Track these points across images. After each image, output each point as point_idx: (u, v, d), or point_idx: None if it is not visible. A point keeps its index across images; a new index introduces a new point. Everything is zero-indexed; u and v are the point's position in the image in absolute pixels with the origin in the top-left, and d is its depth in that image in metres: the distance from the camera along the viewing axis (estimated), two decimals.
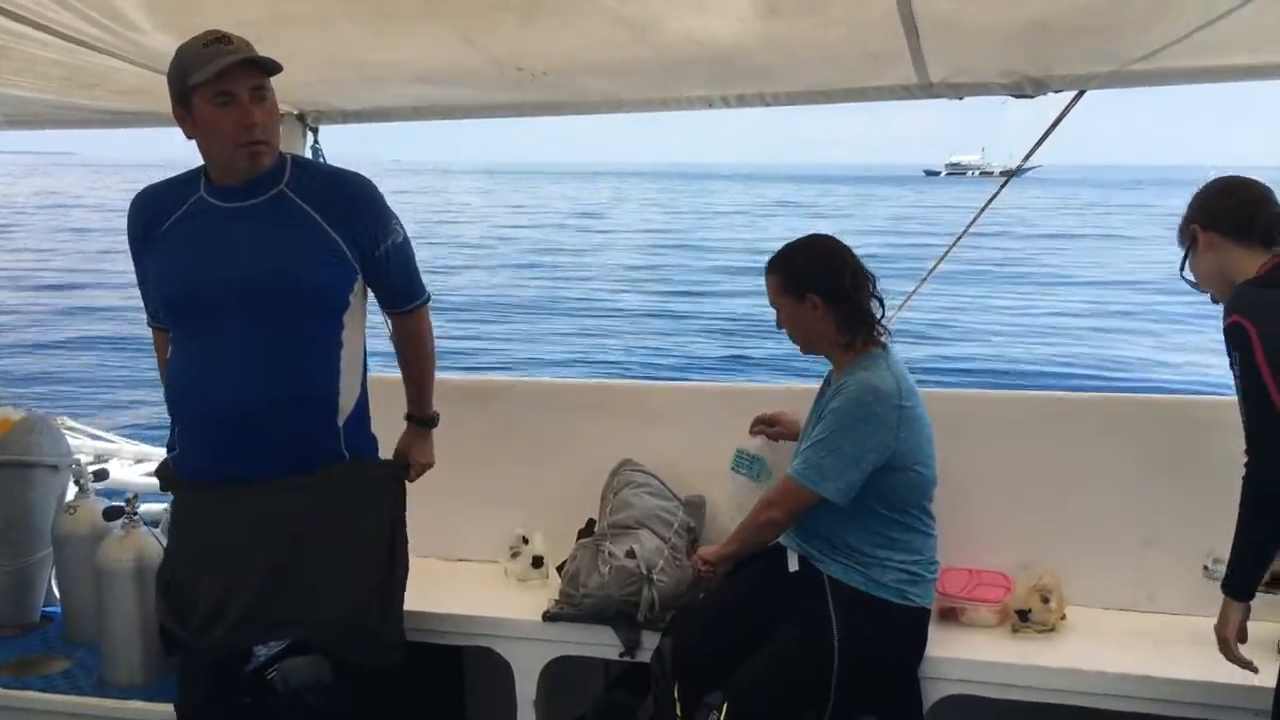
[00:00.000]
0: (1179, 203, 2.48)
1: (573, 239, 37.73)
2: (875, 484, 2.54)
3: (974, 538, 2.99)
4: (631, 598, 2.79)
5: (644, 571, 2.81)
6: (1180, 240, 2.41)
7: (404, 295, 2.60)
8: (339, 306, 2.44)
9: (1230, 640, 2.24)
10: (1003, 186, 3.45)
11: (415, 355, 2.70)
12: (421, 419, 2.74)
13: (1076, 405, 3.18)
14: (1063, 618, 2.80)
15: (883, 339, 2.66)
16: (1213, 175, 2.46)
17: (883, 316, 2.66)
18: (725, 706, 2.44)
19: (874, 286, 2.67)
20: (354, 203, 2.46)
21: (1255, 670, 2.27)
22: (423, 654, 2.85)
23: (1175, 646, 2.69)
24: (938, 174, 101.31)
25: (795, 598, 2.60)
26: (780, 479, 2.66)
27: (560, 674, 2.92)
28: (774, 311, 2.71)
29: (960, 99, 3.22)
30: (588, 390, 3.82)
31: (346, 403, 2.48)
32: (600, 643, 2.83)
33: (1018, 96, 3.19)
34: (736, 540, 2.73)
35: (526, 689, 2.89)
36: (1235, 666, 2.32)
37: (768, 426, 3.01)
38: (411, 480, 2.71)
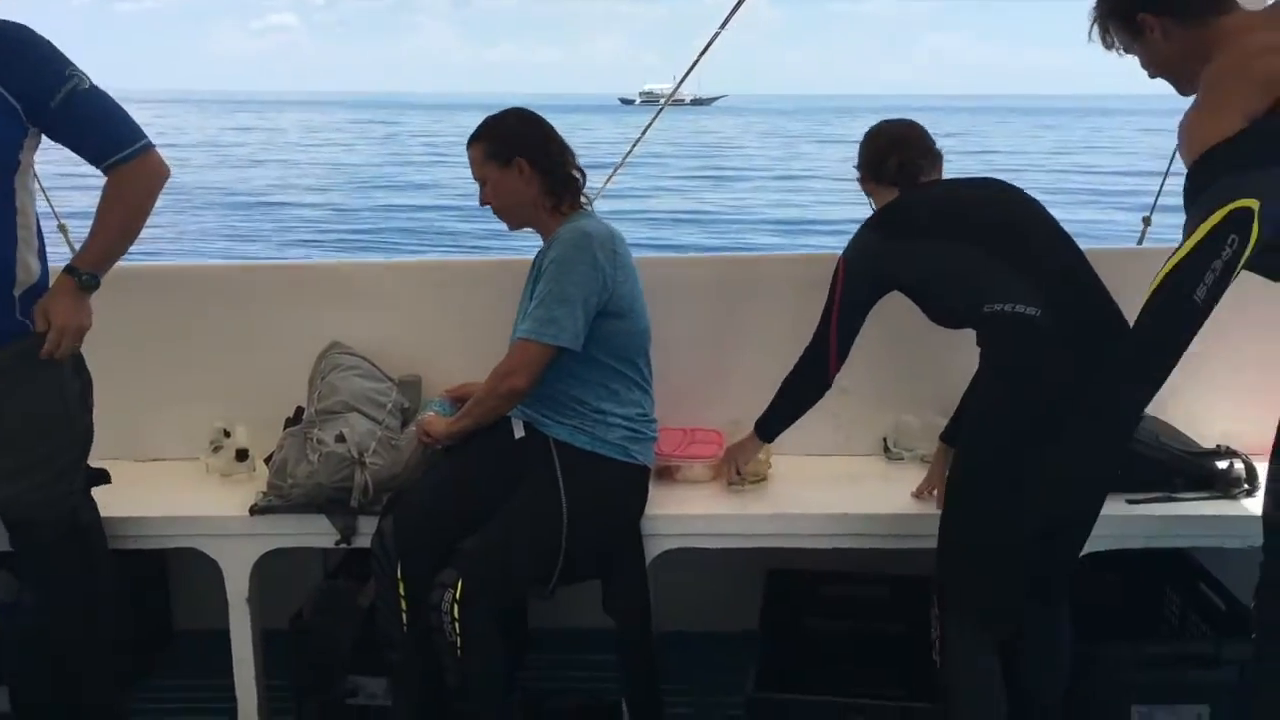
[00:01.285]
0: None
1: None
2: (596, 331, 2.56)
3: (686, 398, 3.09)
4: (344, 483, 2.69)
5: (355, 455, 2.71)
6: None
7: (105, 148, 2.32)
8: (8, 165, 2.23)
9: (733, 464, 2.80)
10: (658, 113, 3.70)
11: (110, 206, 2.35)
12: (78, 269, 2.35)
13: (776, 265, 3.31)
14: (769, 467, 2.94)
15: (587, 206, 2.70)
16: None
17: (584, 187, 2.71)
18: (460, 583, 2.41)
19: (574, 159, 2.69)
20: (10, 53, 2.21)
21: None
22: (122, 562, 2.66)
23: (868, 484, 2.91)
24: (632, 102, 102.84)
25: (522, 465, 2.60)
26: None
27: (274, 569, 2.80)
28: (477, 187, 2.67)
29: None
30: (287, 272, 3.56)
31: (24, 274, 2.30)
32: (315, 532, 2.72)
33: None
34: (470, 416, 2.68)
35: (239, 587, 2.76)
36: (916, 500, 2.70)
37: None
38: (52, 348, 2.34)
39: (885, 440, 3.05)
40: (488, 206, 2.69)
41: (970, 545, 2.38)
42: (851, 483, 2.92)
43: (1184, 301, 1.86)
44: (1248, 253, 1.87)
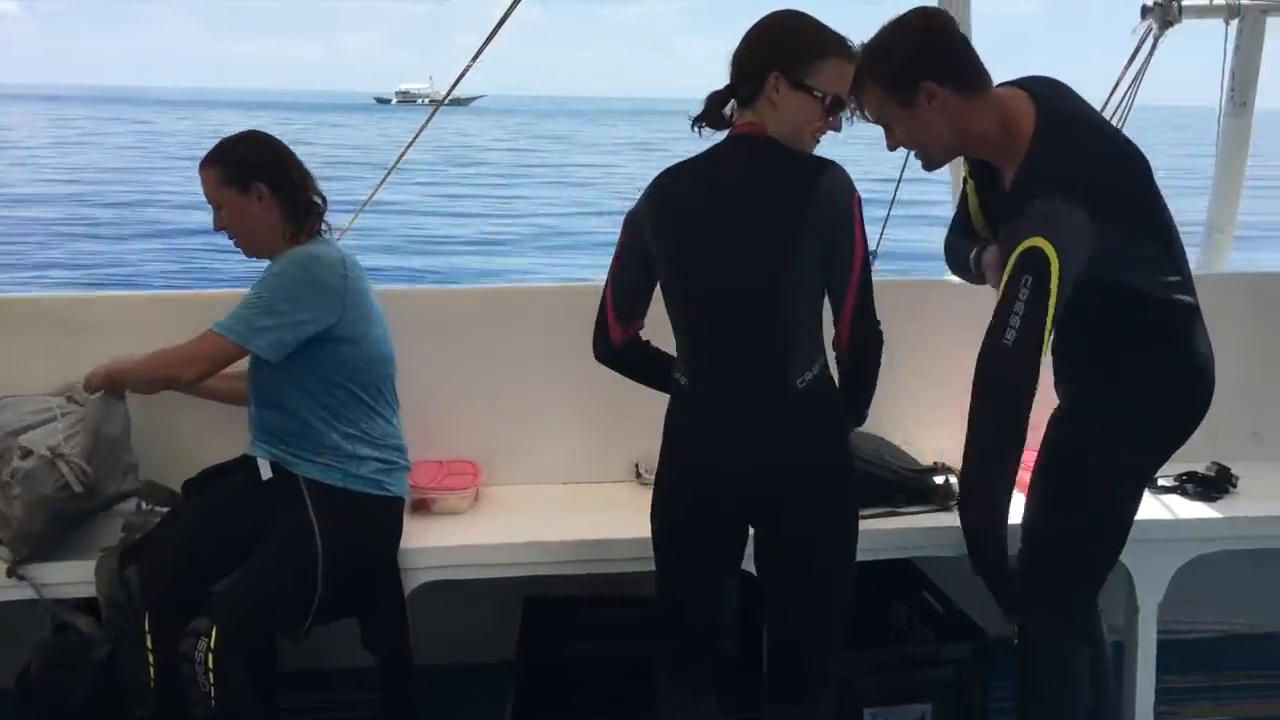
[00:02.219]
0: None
1: None
2: (334, 359, 2.53)
3: (441, 430, 3.10)
4: (61, 486, 2.52)
5: (49, 453, 2.53)
6: None
7: None
8: None
9: None
10: (433, 114, 3.65)
11: None
12: None
13: (530, 296, 3.37)
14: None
15: (325, 232, 2.68)
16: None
17: (324, 213, 2.67)
18: (214, 631, 2.33)
19: (314, 184, 2.66)
20: None
21: None
22: None
23: (622, 509, 2.96)
24: (389, 101, 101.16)
25: (271, 507, 2.54)
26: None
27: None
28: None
29: None
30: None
31: None
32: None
33: None
34: (128, 375, 2.59)
35: None
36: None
37: None
38: None
39: (637, 466, 3.15)
40: (224, 231, 2.61)
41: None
42: (606, 508, 3.00)
43: (994, 345, 2.10)
44: (1053, 290, 2.04)
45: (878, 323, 2.25)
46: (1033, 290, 2.05)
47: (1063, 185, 2.10)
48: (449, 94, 4.02)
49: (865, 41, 2.19)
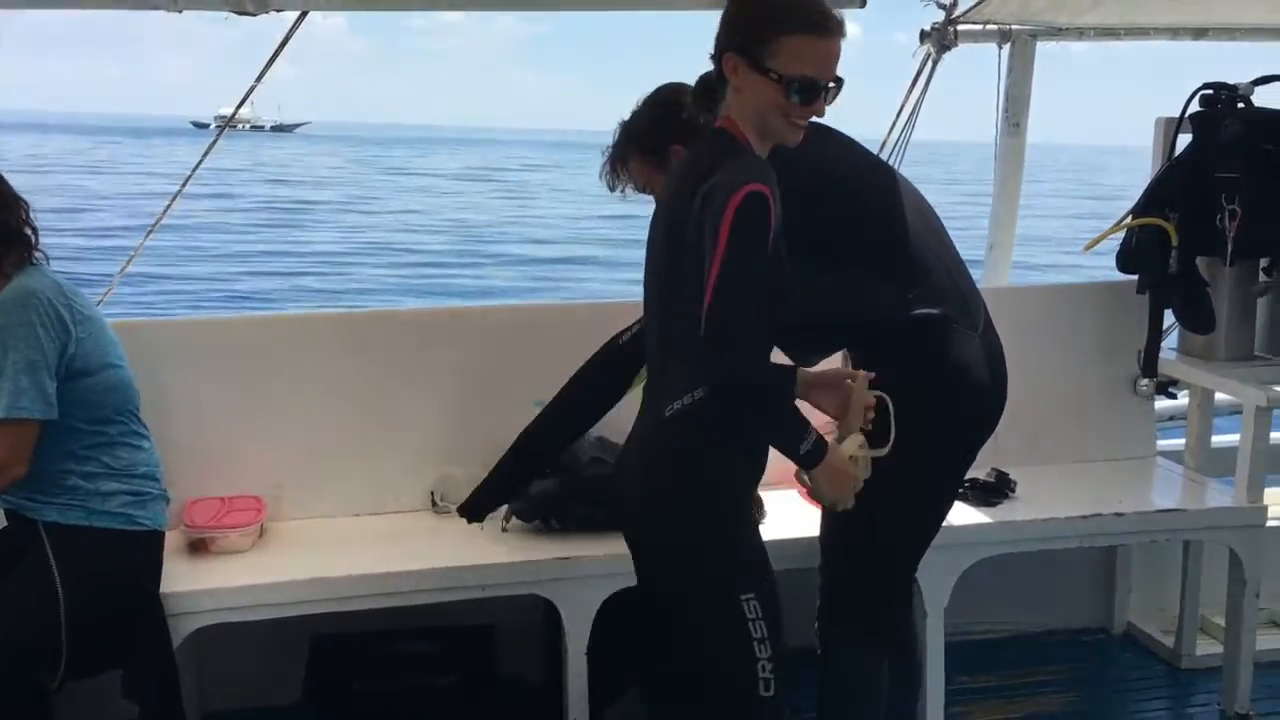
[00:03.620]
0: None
1: None
2: (69, 393, 2.38)
3: (223, 465, 2.97)
4: None
5: None
6: None
7: None
8: None
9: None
10: (216, 138, 3.51)
11: None
12: None
13: (315, 324, 3.26)
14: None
15: (37, 262, 2.47)
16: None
17: (37, 244, 2.47)
18: None
19: (27, 213, 2.46)
20: None
21: None
22: None
23: (415, 539, 2.91)
24: (206, 126, 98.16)
25: (9, 558, 2.37)
26: None
27: None
28: None
29: (180, 12, 3.09)
30: None
31: None
32: None
33: (239, 13, 3.15)
34: None
35: None
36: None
37: None
38: None
39: (433, 494, 3.08)
40: None
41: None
42: (397, 540, 2.91)
43: None
44: None
45: (727, 347, 1.91)
46: None
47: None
48: (230, 119, 3.88)
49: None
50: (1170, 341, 3.51)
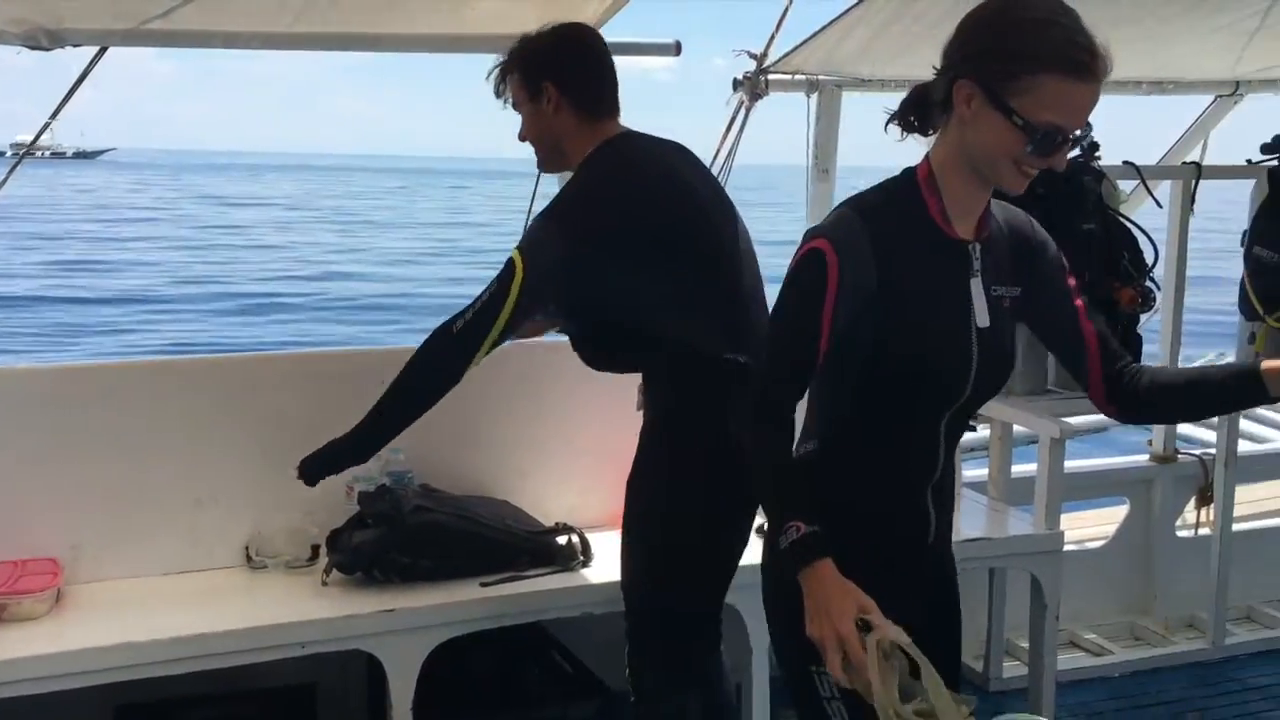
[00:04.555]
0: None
1: None
2: None
3: (17, 526, 2.78)
4: None
5: None
6: None
7: None
8: None
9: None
10: (17, 163, 3.30)
11: None
12: None
13: (114, 373, 3.09)
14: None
15: None
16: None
17: None
18: None
19: None
20: None
21: None
22: None
23: (229, 598, 2.79)
24: (3, 154, 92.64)
25: None
26: None
27: None
28: None
29: None
30: None
31: None
32: None
33: (33, 48, 2.99)
34: None
35: None
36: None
37: None
38: None
39: (247, 549, 2.95)
40: None
41: None
42: (210, 598, 2.78)
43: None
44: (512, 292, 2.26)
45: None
46: (492, 295, 2.29)
47: (560, 218, 2.34)
48: (32, 144, 3.66)
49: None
50: None
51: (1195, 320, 4.36)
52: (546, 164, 2.56)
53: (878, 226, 1.73)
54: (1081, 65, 1.63)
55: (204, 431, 2.96)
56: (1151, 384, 1.86)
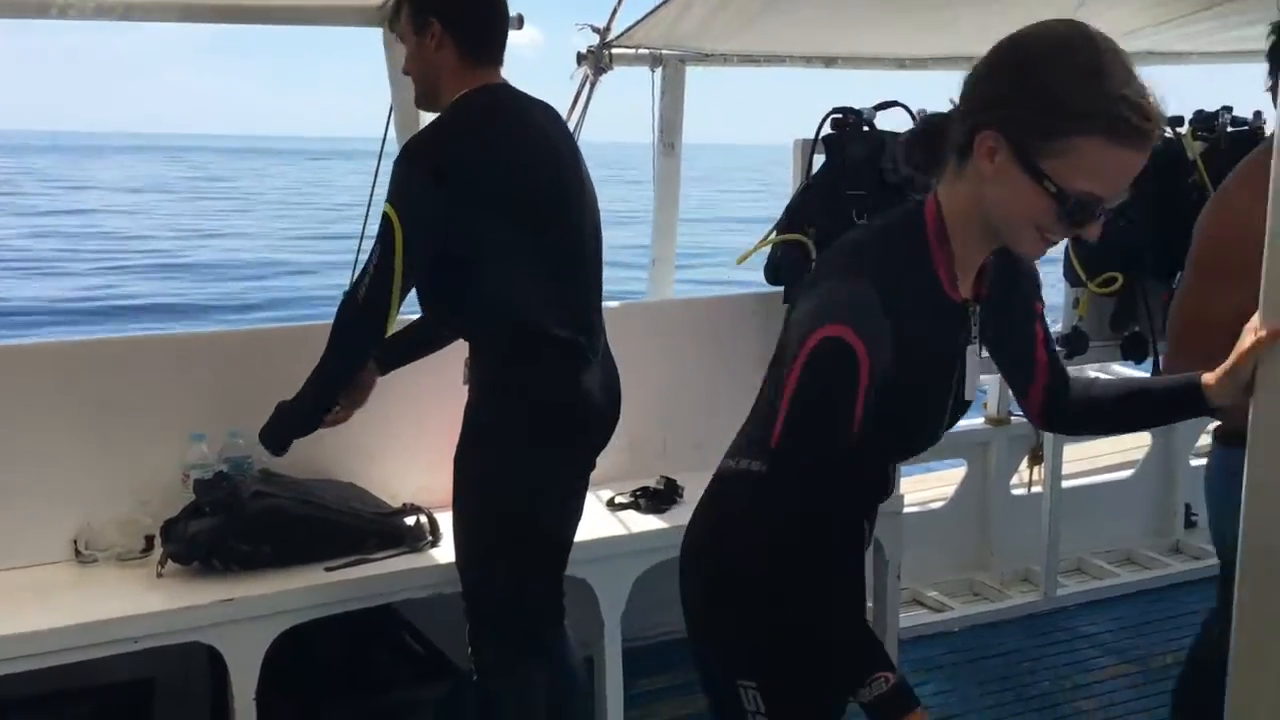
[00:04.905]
0: None
1: None
2: None
3: None
4: None
5: None
6: None
7: None
8: None
9: None
10: None
11: None
12: None
13: None
14: None
15: None
16: None
17: None
18: None
19: None
20: None
21: None
22: None
23: (58, 594, 2.66)
24: None
25: None
26: None
27: None
28: None
29: None
30: None
31: None
32: None
33: None
34: None
35: None
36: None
37: None
38: None
39: (75, 542, 2.83)
40: None
41: None
42: (35, 594, 2.65)
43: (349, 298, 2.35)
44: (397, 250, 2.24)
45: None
46: (380, 256, 2.29)
47: (414, 154, 2.32)
48: None
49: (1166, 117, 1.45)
50: None
51: None
52: (422, 100, 2.53)
53: (888, 292, 1.50)
54: (1132, 130, 1.38)
55: (26, 419, 2.82)
56: (1088, 401, 1.81)
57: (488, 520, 2.44)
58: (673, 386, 3.64)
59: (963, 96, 1.51)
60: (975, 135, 1.46)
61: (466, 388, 2.53)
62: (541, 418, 2.37)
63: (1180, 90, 2.35)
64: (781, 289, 3.55)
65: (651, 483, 3.32)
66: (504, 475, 2.40)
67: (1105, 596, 4.33)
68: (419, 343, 2.74)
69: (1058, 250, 3.82)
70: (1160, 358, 3.69)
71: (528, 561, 2.46)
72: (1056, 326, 4.13)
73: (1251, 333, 1.54)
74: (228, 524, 2.68)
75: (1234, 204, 2.20)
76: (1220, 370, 1.61)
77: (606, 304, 3.64)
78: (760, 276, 3.56)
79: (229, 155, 75.85)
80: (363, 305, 2.33)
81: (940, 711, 3.41)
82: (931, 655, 3.78)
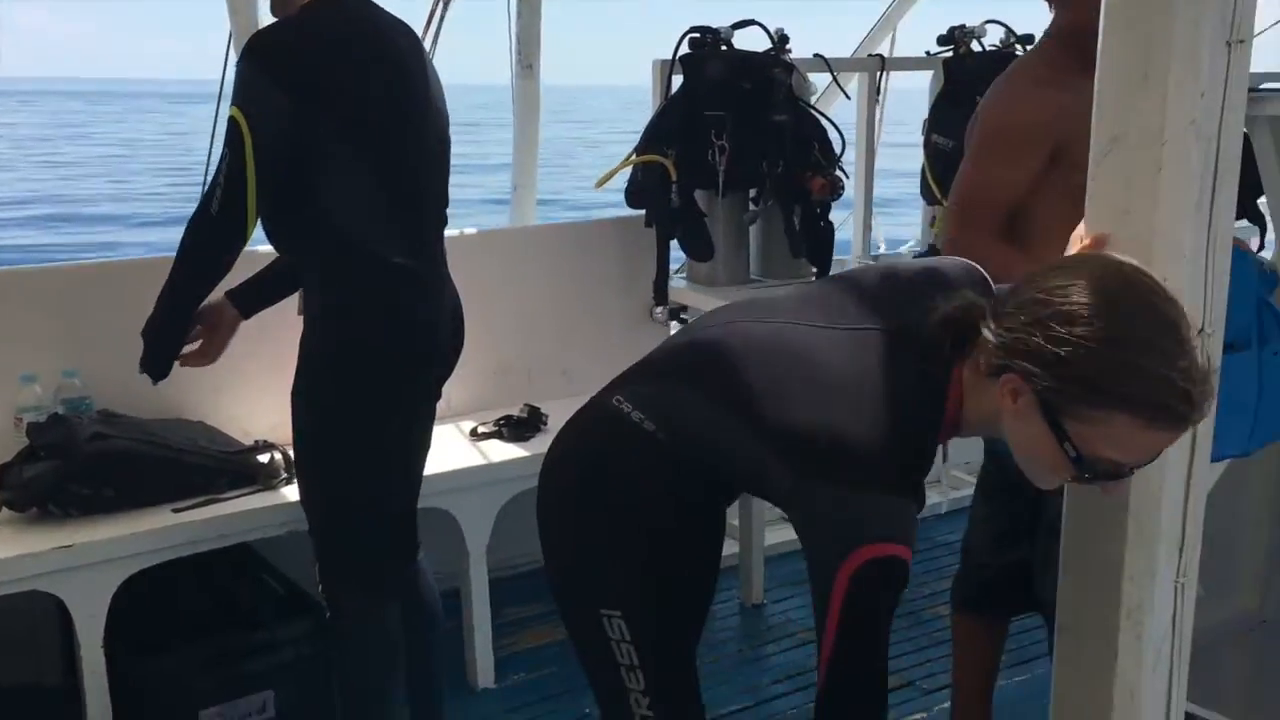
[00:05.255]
0: None
1: None
2: None
3: None
4: None
5: None
6: None
7: None
8: None
9: None
10: None
11: None
12: None
13: None
14: None
15: None
16: None
17: None
18: None
19: None
20: None
21: None
22: None
23: None
24: None
25: None
26: None
27: None
28: None
29: None
30: None
31: None
32: None
33: None
34: None
35: None
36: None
37: None
38: None
39: None
40: None
41: None
42: None
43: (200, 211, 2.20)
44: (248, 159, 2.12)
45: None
46: (230, 163, 2.15)
47: (255, 50, 2.18)
48: None
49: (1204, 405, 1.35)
50: (680, 271, 3.78)
51: (884, 209, 4.59)
52: (275, 5, 2.35)
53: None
54: (1175, 417, 1.32)
55: None
56: None
57: (327, 456, 2.36)
58: (535, 314, 3.60)
59: (995, 319, 1.40)
60: (1003, 374, 1.38)
61: (299, 316, 2.42)
62: (379, 348, 2.29)
63: None
64: (642, 212, 3.52)
65: (515, 411, 3.28)
66: (342, 409, 2.32)
67: (961, 506, 4.46)
68: (280, 280, 2.56)
69: (914, 165, 3.87)
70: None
71: (372, 497, 2.39)
72: (913, 245, 4.21)
73: (1077, 241, 1.56)
74: (65, 468, 2.56)
75: (1015, 89, 2.30)
76: None
77: (467, 231, 3.62)
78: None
79: (85, 99, 71.99)
80: (217, 217, 2.18)
81: (806, 623, 3.49)
82: (799, 569, 3.85)
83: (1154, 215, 1.46)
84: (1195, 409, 1.31)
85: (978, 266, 1.62)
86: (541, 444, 3.16)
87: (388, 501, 2.42)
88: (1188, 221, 1.46)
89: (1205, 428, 1.53)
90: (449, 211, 2.49)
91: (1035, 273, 1.40)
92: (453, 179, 2.50)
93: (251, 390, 3.09)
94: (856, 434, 1.41)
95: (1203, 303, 1.48)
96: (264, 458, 2.87)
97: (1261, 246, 3.55)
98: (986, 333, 1.39)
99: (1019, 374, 1.35)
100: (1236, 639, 3.09)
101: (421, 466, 2.50)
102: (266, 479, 2.83)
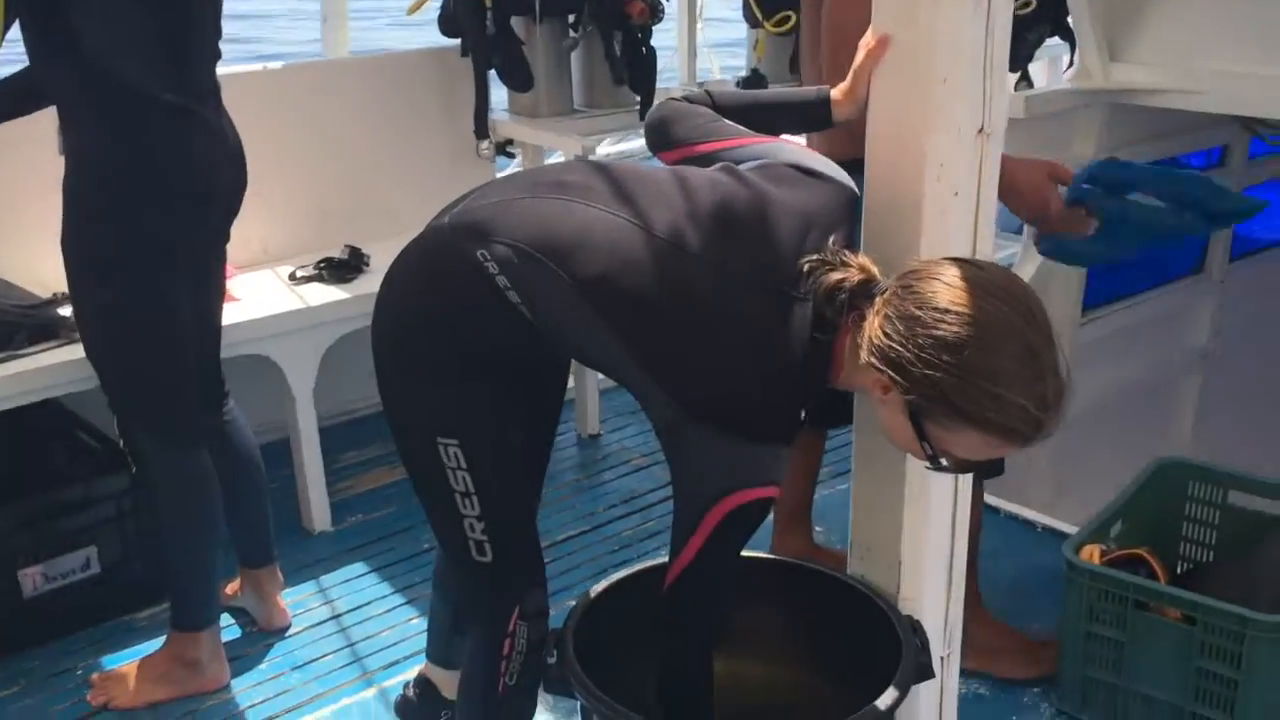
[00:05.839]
0: None
1: None
2: None
3: None
4: None
5: None
6: None
7: None
8: None
9: None
10: None
11: None
12: None
13: None
14: None
15: None
16: None
17: None
18: None
19: None
20: None
21: None
22: None
23: None
24: None
25: None
26: None
27: None
28: None
29: None
30: None
31: None
32: None
33: None
34: None
35: None
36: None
37: None
38: None
39: None
40: None
41: None
42: None
43: None
44: None
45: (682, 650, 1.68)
46: None
47: None
48: None
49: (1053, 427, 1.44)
50: (503, 103, 3.67)
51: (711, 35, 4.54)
52: None
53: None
54: (1024, 439, 1.43)
55: None
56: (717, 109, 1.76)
57: (107, 305, 2.23)
58: (352, 152, 3.47)
59: (884, 315, 1.44)
60: (877, 371, 1.45)
61: (60, 156, 2.22)
62: (152, 189, 2.16)
63: None
64: (458, 41, 3.39)
65: (336, 253, 3.19)
66: (116, 255, 2.18)
67: None
68: (29, 93, 2.30)
69: None
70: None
71: (160, 345, 2.29)
72: (741, 70, 4.18)
73: (864, 47, 1.56)
74: None
75: None
76: (843, 85, 1.64)
77: (271, 66, 3.43)
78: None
79: None
80: None
81: (641, 449, 3.57)
82: (633, 401, 3.90)
83: (935, 16, 1.47)
84: (1043, 433, 1.42)
85: (849, 184, 1.62)
86: (364, 285, 3.09)
87: (179, 349, 2.31)
88: (967, 22, 1.47)
89: None
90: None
91: (920, 272, 1.45)
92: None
93: (45, 240, 2.89)
94: (752, 388, 1.49)
95: (982, 103, 1.51)
96: (65, 310, 2.73)
97: (1071, 64, 3.63)
98: (869, 328, 1.46)
99: (889, 379, 1.44)
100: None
101: (217, 311, 2.40)
102: (68, 332, 2.68)
